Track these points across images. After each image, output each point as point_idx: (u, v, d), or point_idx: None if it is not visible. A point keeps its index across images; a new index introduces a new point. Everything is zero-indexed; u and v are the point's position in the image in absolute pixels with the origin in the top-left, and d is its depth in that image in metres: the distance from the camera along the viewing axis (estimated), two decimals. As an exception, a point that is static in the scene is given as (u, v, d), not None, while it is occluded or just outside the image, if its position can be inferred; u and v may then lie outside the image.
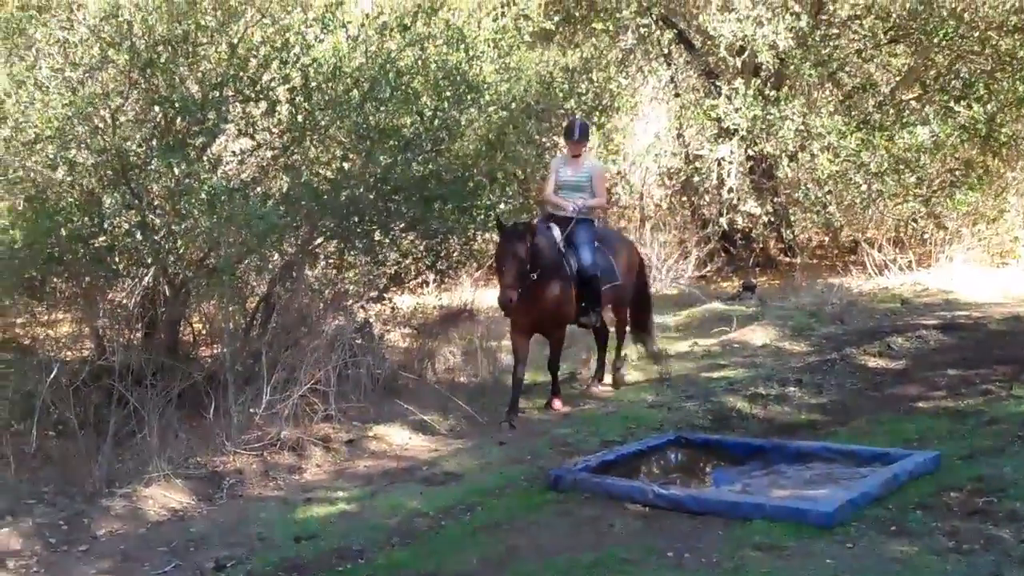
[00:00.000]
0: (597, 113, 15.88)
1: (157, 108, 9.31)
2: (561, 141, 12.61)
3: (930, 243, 16.55)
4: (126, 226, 9.09)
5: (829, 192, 16.47)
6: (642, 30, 17.51)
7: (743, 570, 5.62)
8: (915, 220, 16.52)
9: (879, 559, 5.63)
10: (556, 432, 8.90)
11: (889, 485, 6.72)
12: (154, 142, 9.13)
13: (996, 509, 6.25)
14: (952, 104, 16.40)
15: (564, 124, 10.67)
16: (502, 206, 11.99)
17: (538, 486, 7.44)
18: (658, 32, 17.76)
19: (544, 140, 14.76)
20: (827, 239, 17.89)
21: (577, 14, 17.46)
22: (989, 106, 16.23)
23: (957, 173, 16.77)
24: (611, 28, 17.14)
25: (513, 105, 12.98)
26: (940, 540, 5.83)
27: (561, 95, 14.66)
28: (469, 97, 11.23)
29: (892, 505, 6.47)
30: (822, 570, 5.53)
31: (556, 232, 9.76)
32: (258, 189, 9.86)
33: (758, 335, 12.02)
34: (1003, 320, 12.10)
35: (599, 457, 7.77)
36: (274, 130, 10.14)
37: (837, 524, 6.14)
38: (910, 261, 16.19)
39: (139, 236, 8.95)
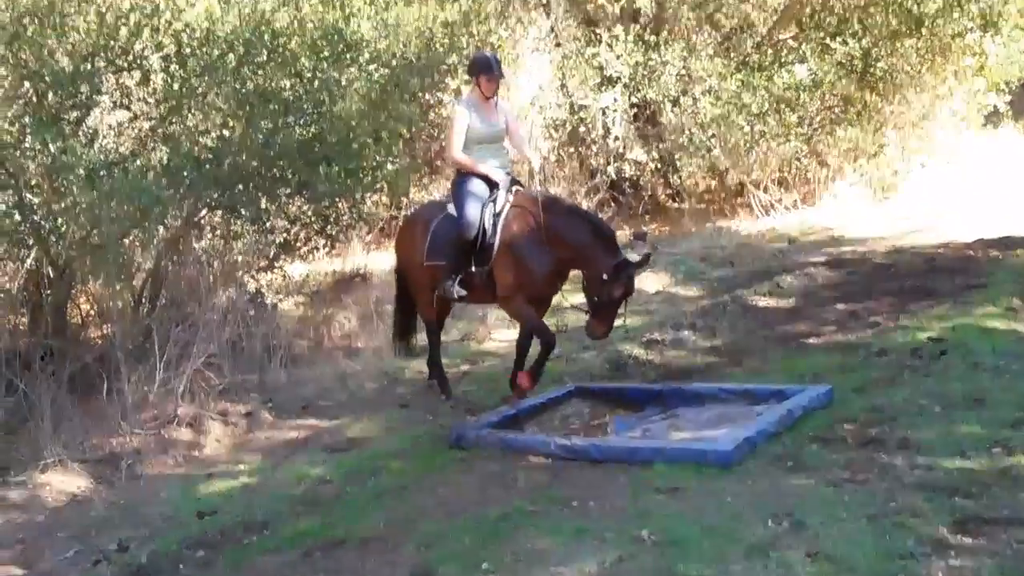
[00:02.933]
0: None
1: (27, 83, 9.03)
2: (461, 87, 12.35)
3: (814, 181, 16.79)
4: (3, 207, 8.83)
5: (713, 135, 16.59)
6: (520, -21, 17.41)
7: (647, 514, 5.69)
8: (798, 159, 16.73)
9: (778, 494, 5.74)
10: (457, 390, 8.89)
11: (785, 421, 6.86)
12: (27, 119, 8.84)
13: (889, 438, 6.41)
14: (828, 41, 16.60)
15: (471, 60, 8.73)
16: (389, 166, 11.88)
17: (441, 446, 7.45)
18: (536, -19, 17.69)
19: (427, 97, 14.65)
20: (714, 183, 18.04)
21: (454, -33, 17.30)
22: (864, 41, 16.47)
23: (836, 110, 17.02)
24: (489, -21, 17.00)
25: (394, 63, 12.86)
26: (836, 471, 5.97)
27: (442, 50, 14.52)
28: (348, 56, 11.10)
29: (788, 440, 6.61)
30: (723, 508, 5.63)
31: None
32: (138, 162, 9.61)
33: (651, 282, 12.11)
34: (887, 253, 12.37)
35: (500, 413, 7.80)
36: (150, 100, 9.92)
37: (736, 463, 6.26)
38: (795, 200, 16.44)
39: (17, 217, 8.71)
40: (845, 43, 16.31)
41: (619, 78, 16.40)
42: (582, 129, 17.08)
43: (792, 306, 10.50)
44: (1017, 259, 10.82)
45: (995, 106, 17.46)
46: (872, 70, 16.55)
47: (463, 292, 8.13)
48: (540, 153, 16.38)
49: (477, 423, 7.59)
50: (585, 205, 16.29)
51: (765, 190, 16.51)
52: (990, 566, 4.62)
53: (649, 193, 18.13)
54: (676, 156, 17.54)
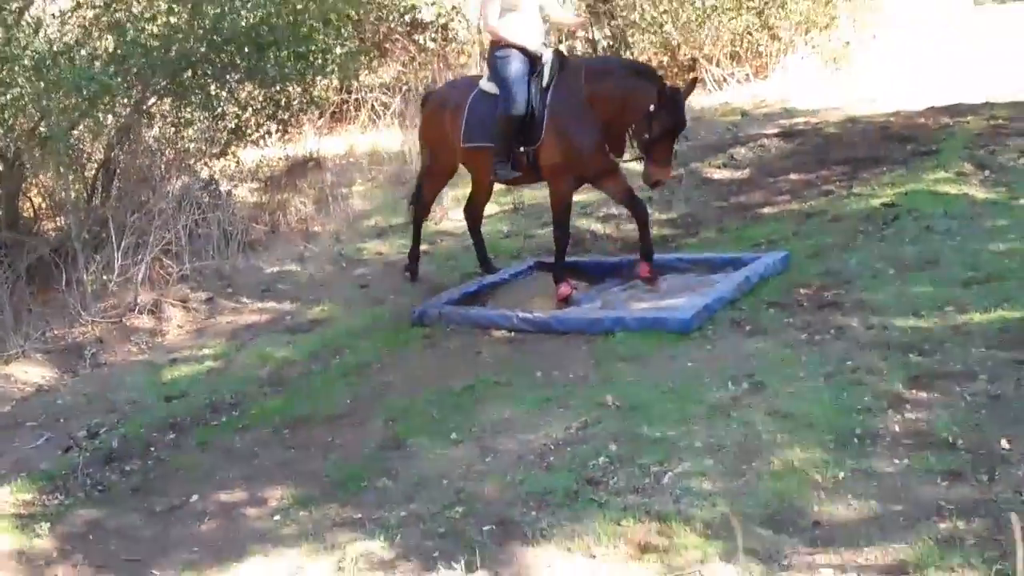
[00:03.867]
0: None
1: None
2: None
3: (766, 55, 16.73)
4: (-53, 100, 8.68)
5: (665, 11, 16.44)
6: None
7: (610, 380, 5.81)
8: (750, 33, 16.62)
9: (737, 356, 5.87)
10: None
11: (742, 288, 6.97)
12: (-33, 10, 8.65)
13: (844, 300, 6.54)
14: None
15: None
16: (338, 49, 11.74)
17: (404, 323, 7.51)
18: None
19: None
20: (666, 59, 17.93)
21: None
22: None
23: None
24: None
25: (341, -56, 12.60)
26: (793, 333, 6.09)
27: (390, -70, 14.28)
28: (295, -62, 10.87)
29: (746, 306, 6.73)
30: (684, 372, 5.76)
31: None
32: (83, 51, 9.45)
33: (606, 158, 12.09)
34: (839, 123, 12.39)
35: (461, 290, 7.86)
36: (95, -13, 9.71)
37: (695, 329, 6.38)
38: (747, 74, 16.38)
39: (-37, 110, 8.58)
40: (796, -86, 16.15)
41: (572, -44, 16.20)
42: (533, 7, 16.88)
43: (746, 177, 10.55)
44: (967, 126, 10.89)
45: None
46: (824, -58, 16.42)
47: (516, 173, 7.67)
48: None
49: (438, 300, 7.64)
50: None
51: (717, 64, 16.42)
52: (943, 417, 4.76)
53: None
54: (628, 33, 17.41)
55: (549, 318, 6.94)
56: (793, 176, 10.14)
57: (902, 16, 17.70)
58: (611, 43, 17.40)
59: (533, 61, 7.56)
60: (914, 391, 5.10)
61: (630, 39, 17.30)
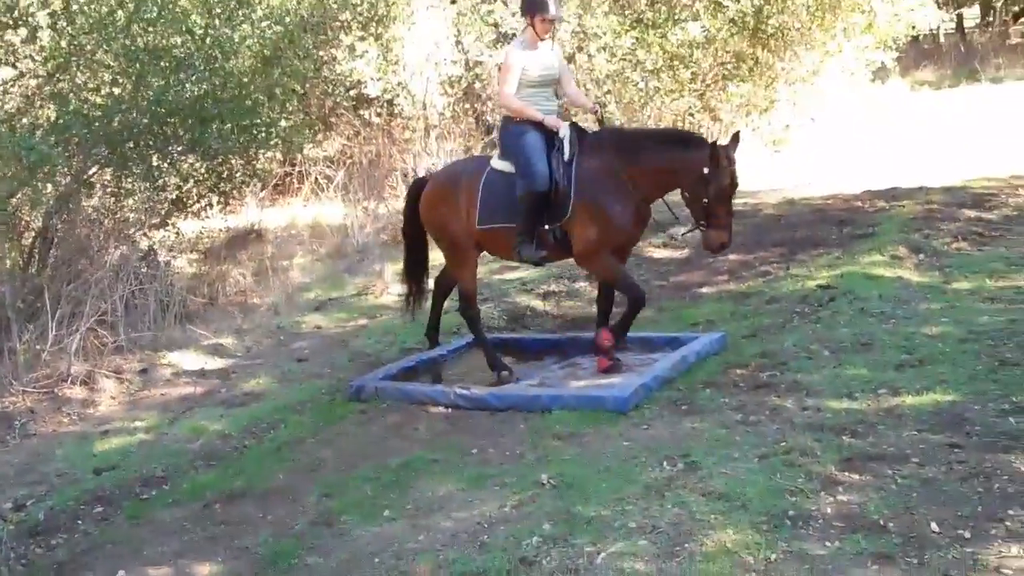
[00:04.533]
0: (374, 24, 15.67)
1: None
2: (355, 43, 11.98)
3: (707, 136, 16.95)
4: None
5: (608, 92, 16.67)
6: (410, -64, 17.25)
7: (546, 459, 5.79)
8: (691, 114, 16.89)
9: (673, 436, 5.88)
10: (355, 344, 8.89)
11: (679, 367, 7.01)
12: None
13: (779, 381, 6.59)
14: (720, -1, 16.76)
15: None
16: (283, 122, 11.78)
17: (340, 398, 7.47)
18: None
19: (321, 53, 14.51)
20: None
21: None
22: (756, -1, 16.67)
23: (729, 66, 17.19)
24: (381, -64, 16.81)
25: (287, 19, 12.71)
26: (729, 414, 6.12)
27: (336, 6, 14.39)
28: (241, 13, 10.98)
29: (683, 386, 6.76)
30: (620, 451, 5.75)
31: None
32: (24, 120, 9.42)
33: (548, 236, 12.17)
34: (777, 205, 12.58)
35: (400, 365, 7.83)
36: (37, 57, 9.70)
37: (632, 408, 6.40)
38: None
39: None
40: (738, 0, 16.48)
41: (514, 34, 16.38)
42: (478, 85, 17.06)
43: (686, 257, 10.65)
44: (902, 209, 11.09)
45: (882, 62, 17.82)
46: (764, 27, 16.72)
47: (543, 253, 7.36)
48: (436, 109, 16.41)
49: (376, 375, 7.61)
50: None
51: (659, 145, 16.65)
52: (875, 499, 4.79)
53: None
54: (572, 112, 17.62)
55: (487, 395, 6.92)
56: (731, 256, 10.22)
57: (841, 100, 18.06)
58: (554, 122, 17.53)
59: (549, 136, 7.34)
60: (846, 473, 5.12)
61: (573, 118, 17.46)
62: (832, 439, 5.55)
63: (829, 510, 4.76)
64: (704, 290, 9.36)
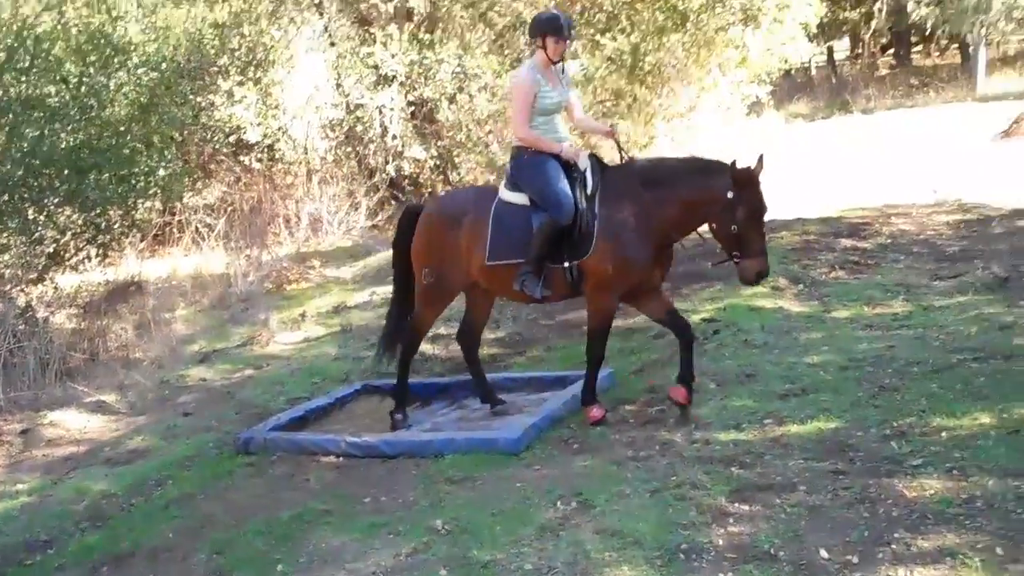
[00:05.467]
0: (252, 68, 15.59)
1: None
2: (233, 88, 11.83)
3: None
4: None
5: (490, 131, 16.77)
6: (291, -21, 17.21)
7: (440, 504, 5.76)
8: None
9: (565, 475, 5.90)
10: (242, 396, 8.77)
11: (569, 406, 7.05)
12: None
13: (668, 416, 6.67)
14: (598, 37, 16.98)
15: (535, 20, 7.12)
16: (161, 171, 11.62)
17: (228, 452, 7.34)
18: (308, -19, 17.52)
19: (199, 99, 14.37)
20: (493, 177, 18.25)
21: (221, -33, 16.96)
22: (632, 37, 16.91)
23: (608, 104, 17.42)
24: (259, -21, 16.74)
25: (164, 66, 12.58)
26: (619, 451, 6.17)
27: (213, 52, 14.29)
28: (116, 60, 10.82)
29: (574, 424, 6.81)
30: (514, 493, 5.75)
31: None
32: None
33: (433, 278, 12.16)
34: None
35: (288, 415, 7.73)
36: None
37: (524, 448, 6.41)
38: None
39: None
40: (614, 39, 16.72)
41: (395, 76, 16.40)
42: (359, 128, 17.03)
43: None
44: (781, 241, 11.31)
45: (757, 96, 18.22)
46: (641, 64, 16.99)
47: (548, 292, 6.93)
48: (318, 153, 16.33)
49: (264, 427, 7.50)
50: (365, 205, 16.24)
51: (544, 183, 16.77)
52: (765, 530, 4.85)
53: (429, 190, 18.21)
54: (454, 153, 17.68)
55: (378, 442, 6.87)
56: (617, 293, 10.33)
57: (718, 134, 18.40)
58: (437, 163, 17.62)
59: (567, 166, 6.91)
60: (736, 504, 5.19)
61: (456, 159, 17.56)
62: (721, 471, 5.62)
63: (721, 542, 4.81)
64: (591, 327, 9.41)
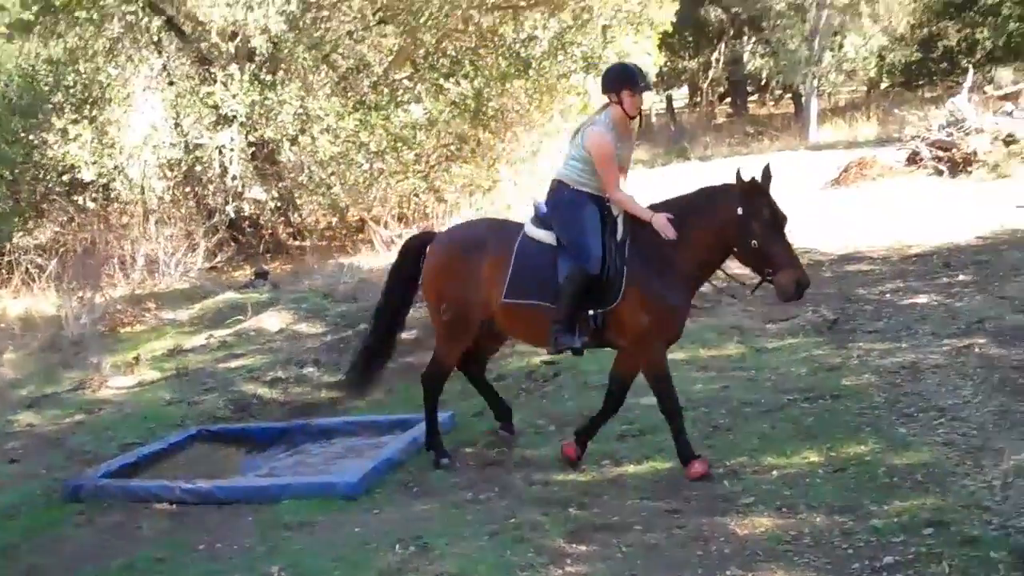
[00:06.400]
0: (87, 106, 15.25)
1: None
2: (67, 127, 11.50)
3: (432, 216, 17.22)
4: None
5: (333, 173, 16.73)
6: (129, 17, 16.88)
7: (277, 550, 5.67)
8: (416, 195, 17.13)
9: (405, 519, 5.88)
10: (71, 442, 8.46)
11: (409, 450, 7.04)
12: None
13: (508, 458, 6.73)
14: (442, 81, 17.12)
15: (608, 72, 6.68)
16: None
17: (57, 500, 7.07)
18: (146, 19, 17.22)
19: (31, 137, 13.98)
20: (335, 220, 18.18)
21: (58, 3, 16.54)
22: (476, 82, 17.09)
23: (452, 148, 17.56)
24: (96, 17, 16.38)
25: (-7, 102, 12.22)
26: (459, 493, 6.19)
27: (47, 89, 13.94)
28: (-58, 96, 10.45)
29: (414, 467, 6.79)
30: (353, 538, 5.70)
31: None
32: None
33: (274, 321, 12.01)
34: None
35: (119, 461, 7.52)
36: None
37: (363, 493, 6.36)
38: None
39: None
40: (458, 83, 16.88)
41: (235, 117, 16.23)
42: (198, 168, 16.80)
43: (413, 338, 10.67)
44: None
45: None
46: (484, 109, 17.19)
47: (584, 339, 6.41)
48: (155, 193, 16.03)
49: (94, 474, 7.27)
50: (203, 246, 15.97)
51: (386, 226, 16.78)
52: (602, 569, 4.91)
53: (270, 231, 18.05)
54: (296, 194, 17.57)
55: (212, 488, 6.72)
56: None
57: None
58: (279, 204, 17.49)
59: (604, 212, 6.53)
60: (574, 544, 5.24)
61: (298, 200, 17.46)
62: (560, 512, 5.68)
63: (559, 583, 4.84)
64: (432, 370, 9.40)
